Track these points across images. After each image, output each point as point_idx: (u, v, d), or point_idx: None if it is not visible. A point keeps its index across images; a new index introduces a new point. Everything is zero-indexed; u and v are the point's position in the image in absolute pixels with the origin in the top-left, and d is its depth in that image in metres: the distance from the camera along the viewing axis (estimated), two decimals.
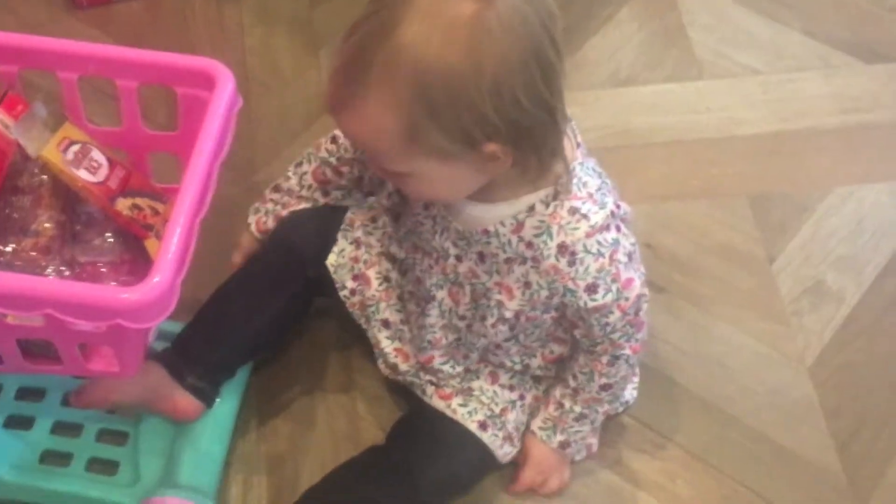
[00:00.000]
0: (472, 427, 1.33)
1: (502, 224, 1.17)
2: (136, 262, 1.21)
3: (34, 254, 1.17)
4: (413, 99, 1.01)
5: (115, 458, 1.37)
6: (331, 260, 1.38)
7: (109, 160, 1.23)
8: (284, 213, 1.41)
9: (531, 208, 1.16)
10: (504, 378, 1.36)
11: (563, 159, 1.13)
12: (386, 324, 1.37)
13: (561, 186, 1.15)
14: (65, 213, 1.20)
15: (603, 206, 1.17)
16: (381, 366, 1.40)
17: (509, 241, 1.18)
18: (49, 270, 1.17)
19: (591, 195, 1.16)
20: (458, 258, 1.23)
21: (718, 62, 1.84)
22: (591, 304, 1.18)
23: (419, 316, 1.31)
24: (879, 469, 1.45)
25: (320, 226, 1.40)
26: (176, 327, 1.39)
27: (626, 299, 1.19)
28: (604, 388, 1.30)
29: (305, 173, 1.41)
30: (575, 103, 1.66)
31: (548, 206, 1.15)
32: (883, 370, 1.53)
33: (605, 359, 1.27)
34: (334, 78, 1.06)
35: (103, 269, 1.19)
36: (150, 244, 1.22)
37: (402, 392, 1.42)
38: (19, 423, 1.39)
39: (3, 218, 1.19)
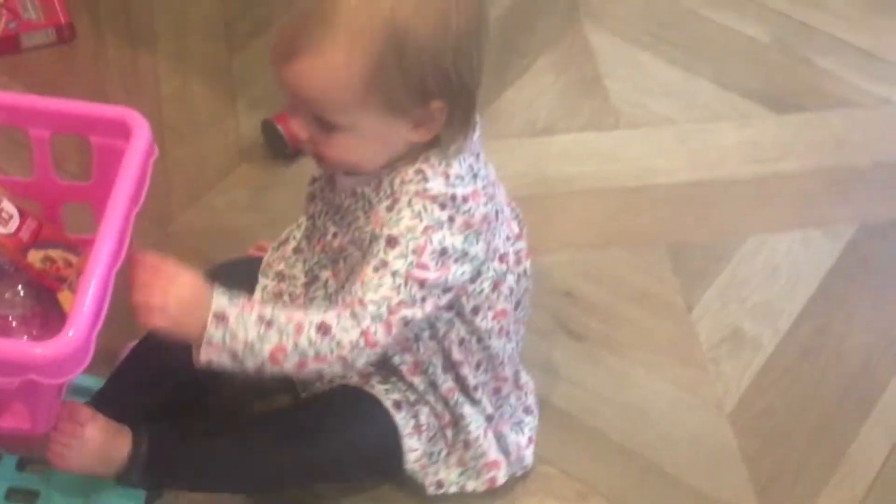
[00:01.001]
0: (388, 404, 1.31)
1: (368, 185, 1.19)
2: (48, 316, 1.18)
3: None
4: (385, 44, 1.06)
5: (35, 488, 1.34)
6: (257, 294, 1.36)
7: (21, 211, 1.20)
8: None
9: (394, 168, 1.17)
10: (421, 376, 1.32)
11: (460, 133, 1.17)
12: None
13: (427, 151, 1.17)
14: None
15: (451, 186, 1.15)
16: None
17: (368, 197, 1.19)
18: None
19: (445, 172, 1.16)
20: (335, 235, 1.24)
21: (634, 111, 1.85)
22: (382, 255, 1.13)
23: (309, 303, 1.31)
24: None
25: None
26: (90, 381, 1.35)
27: (411, 279, 1.13)
28: (322, 329, 1.15)
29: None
30: (492, 152, 1.65)
31: (408, 165, 1.17)
32: (801, 415, 1.54)
33: (337, 311, 1.15)
34: (293, 21, 1.09)
35: (14, 323, 1.17)
36: (64, 297, 1.19)
37: None
38: None
39: None
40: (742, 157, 1.81)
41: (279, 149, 1.73)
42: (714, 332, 1.61)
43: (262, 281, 1.37)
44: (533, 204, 1.66)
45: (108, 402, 1.32)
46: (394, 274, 1.13)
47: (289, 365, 1.12)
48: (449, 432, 1.35)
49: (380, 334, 1.13)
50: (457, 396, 1.33)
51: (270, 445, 1.32)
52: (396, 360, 1.28)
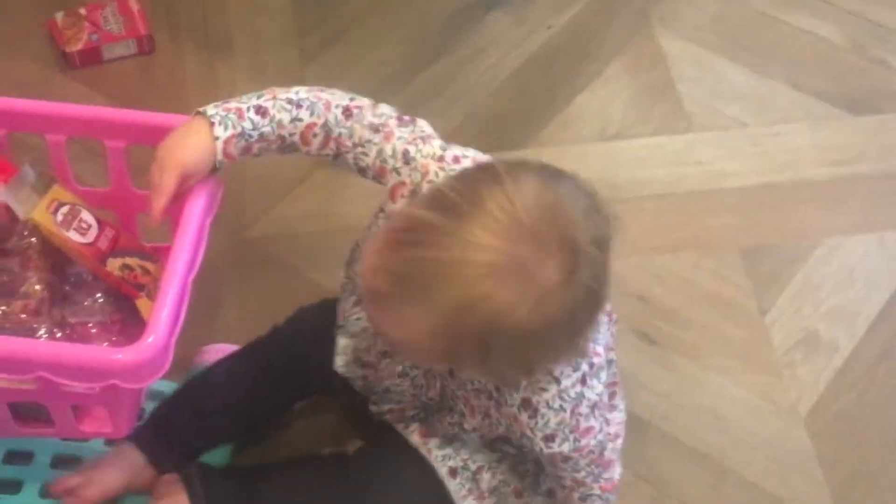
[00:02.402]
0: (443, 471, 1.30)
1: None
2: (126, 322, 1.20)
3: (24, 316, 1.16)
4: (469, 347, 0.96)
5: None
6: (339, 362, 1.33)
7: (99, 221, 1.22)
8: (257, 148, 1.21)
9: None
10: (480, 453, 1.32)
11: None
12: (387, 390, 1.33)
13: None
14: (54, 273, 1.19)
15: (577, 368, 1.13)
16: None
17: (478, 383, 1.17)
18: (41, 332, 1.16)
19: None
20: (443, 380, 1.24)
21: (706, 115, 1.83)
22: (546, 451, 1.16)
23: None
24: None
25: (319, 325, 1.34)
26: (167, 386, 1.36)
27: (583, 446, 1.16)
28: (600, 501, 1.25)
29: (300, 120, 1.20)
30: (563, 158, 1.65)
31: None
32: (878, 420, 1.51)
33: (575, 495, 1.24)
34: (385, 273, 0.97)
35: (93, 330, 1.18)
36: (142, 304, 1.20)
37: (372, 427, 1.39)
38: (7, 486, 1.35)
39: None
40: (815, 159, 1.78)
41: None
42: (788, 336, 1.59)
43: (341, 340, 1.33)
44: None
45: (157, 429, 1.32)
46: (569, 456, 1.17)
47: None
48: (520, 484, 1.34)
49: (606, 474, 1.22)
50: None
51: (321, 492, 1.32)
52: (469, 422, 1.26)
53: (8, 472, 1.36)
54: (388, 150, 1.17)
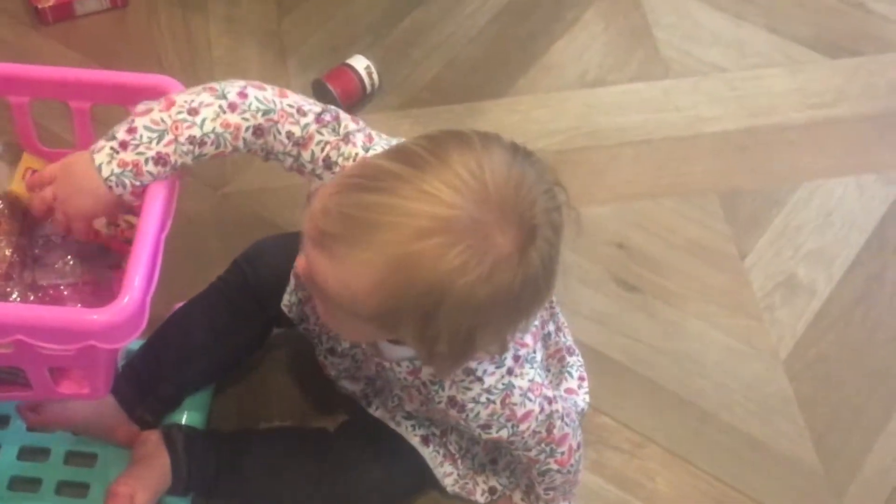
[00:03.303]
0: (415, 441, 1.31)
1: (398, 364, 1.15)
2: (98, 284, 1.18)
3: None
4: (419, 300, 0.94)
5: (86, 480, 1.34)
6: (284, 301, 1.34)
7: None
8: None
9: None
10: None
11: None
12: (332, 351, 1.34)
13: None
14: (23, 237, 1.18)
15: (500, 364, 1.13)
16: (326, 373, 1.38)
17: (405, 378, 1.17)
18: (14, 296, 1.14)
19: (491, 356, 1.12)
20: (364, 352, 1.24)
21: (684, 61, 1.83)
22: (485, 436, 1.17)
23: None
24: (856, 461, 1.44)
25: (277, 268, 1.33)
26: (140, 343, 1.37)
27: (523, 431, 1.17)
28: (549, 490, 1.29)
29: (204, 156, 1.13)
30: (543, 105, 1.66)
31: None
32: (856, 361, 1.53)
33: (533, 471, 1.25)
34: (337, 215, 0.95)
35: (65, 292, 1.17)
36: None
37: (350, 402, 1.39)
38: (23, 483, 1.36)
39: None
40: (794, 103, 1.78)
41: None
42: (768, 280, 1.59)
43: (292, 281, 1.32)
44: (584, 156, 1.68)
45: (137, 373, 1.34)
46: (513, 440, 1.19)
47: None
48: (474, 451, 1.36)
49: (561, 449, 1.23)
50: None
51: (310, 469, 1.33)
52: (408, 406, 1.28)
53: (23, 470, 1.36)
54: (306, 156, 1.12)
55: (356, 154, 1.11)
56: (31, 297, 1.15)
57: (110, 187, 1.07)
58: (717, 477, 1.42)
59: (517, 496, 1.34)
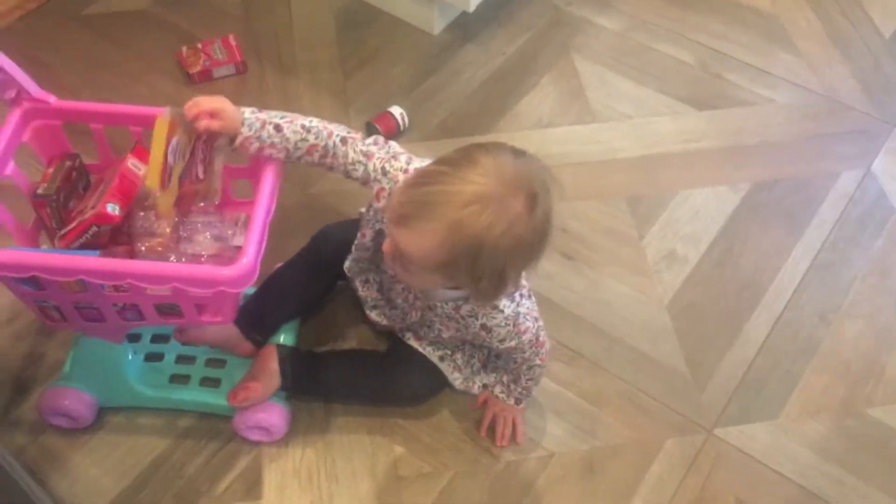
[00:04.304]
0: (434, 359, 1.32)
1: (445, 304, 1.17)
2: (224, 256, 1.19)
3: (160, 249, 1.15)
4: (465, 251, 0.98)
5: (218, 376, 1.36)
6: (346, 265, 1.35)
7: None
8: (269, 151, 1.15)
9: (466, 299, 1.15)
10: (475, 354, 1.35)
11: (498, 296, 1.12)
12: (374, 306, 1.37)
13: None
14: (178, 221, 1.19)
15: (512, 299, 1.16)
16: (371, 319, 1.40)
17: (448, 314, 1.18)
18: (171, 259, 1.15)
19: (510, 295, 1.16)
20: (415, 297, 1.24)
21: (605, 111, 1.82)
22: (501, 347, 1.20)
23: (396, 303, 1.31)
24: (711, 369, 1.45)
25: (340, 243, 1.34)
26: (253, 290, 1.37)
27: (524, 340, 1.19)
28: (529, 381, 1.30)
29: (305, 141, 1.15)
30: (515, 139, 1.65)
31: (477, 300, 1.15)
32: (713, 306, 1.53)
33: (524, 367, 1.27)
34: (411, 203, 0.99)
35: (204, 259, 1.18)
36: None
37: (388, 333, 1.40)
38: (154, 357, 1.38)
39: (136, 227, 1.18)
40: (674, 139, 1.78)
41: None
42: (657, 253, 1.59)
43: (354, 253, 1.32)
44: None
45: (250, 311, 1.34)
46: (525, 342, 1.20)
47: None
48: (482, 357, 1.36)
49: (542, 350, 1.24)
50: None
51: (367, 377, 1.34)
52: (445, 334, 1.29)
53: (154, 349, 1.39)
54: (371, 167, 1.15)
55: (401, 167, 1.14)
56: (183, 261, 1.16)
57: (241, 123, 1.10)
58: (622, 379, 1.43)
59: (497, 389, 1.34)
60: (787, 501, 1.31)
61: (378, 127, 1.72)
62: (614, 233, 1.62)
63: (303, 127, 1.15)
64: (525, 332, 1.18)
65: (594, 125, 1.79)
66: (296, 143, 1.15)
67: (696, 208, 1.66)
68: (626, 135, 1.78)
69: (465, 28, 1.94)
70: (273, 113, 1.16)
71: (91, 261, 1.06)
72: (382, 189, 1.16)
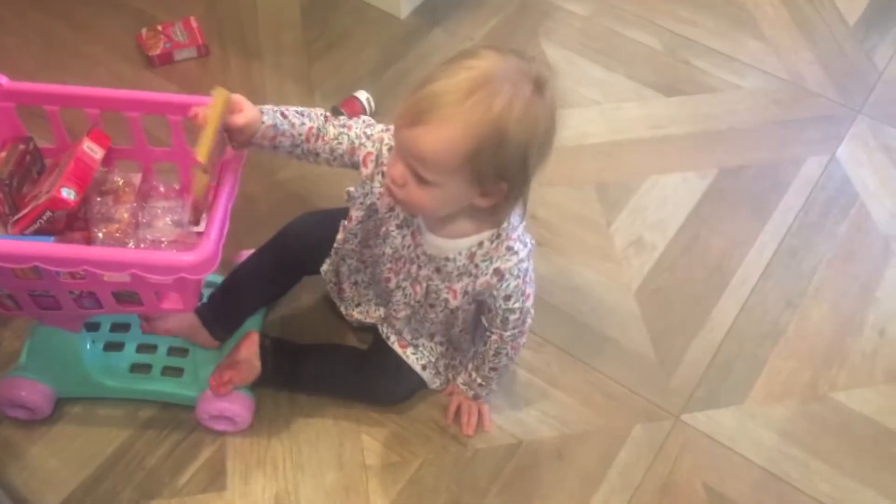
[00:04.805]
0: (417, 368, 1.31)
1: (460, 254, 1.14)
2: (185, 242, 1.16)
3: (118, 235, 1.13)
4: (490, 135, 0.95)
5: (181, 366, 1.34)
6: (324, 267, 1.34)
7: None
8: (279, 139, 1.13)
9: (480, 244, 1.12)
10: (438, 338, 1.32)
11: (512, 209, 1.10)
12: (359, 304, 1.35)
13: (501, 230, 1.11)
14: (137, 206, 1.16)
15: (525, 244, 1.14)
16: (349, 318, 1.38)
17: (463, 265, 1.15)
18: (130, 245, 1.13)
19: (518, 237, 1.13)
20: (420, 266, 1.19)
21: (573, 96, 1.81)
22: (504, 308, 1.16)
23: (389, 296, 1.26)
24: (679, 355, 1.46)
25: (310, 238, 1.32)
26: (216, 278, 1.35)
27: (524, 306, 1.18)
28: (492, 370, 1.27)
29: (304, 125, 1.14)
30: None
31: (492, 242, 1.12)
32: (680, 291, 1.53)
33: (492, 350, 1.24)
34: (423, 98, 0.96)
35: (164, 245, 1.15)
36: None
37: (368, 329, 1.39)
38: (114, 346, 1.35)
39: (94, 213, 1.15)
40: (643, 125, 1.77)
41: None
42: (625, 240, 1.59)
43: (332, 258, 1.31)
44: None
45: (214, 304, 1.32)
46: (516, 316, 1.17)
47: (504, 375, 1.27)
48: (460, 358, 1.35)
49: (528, 321, 1.21)
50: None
51: (346, 374, 1.33)
52: (437, 338, 1.30)
53: (114, 338, 1.36)
54: (353, 135, 1.14)
55: (382, 129, 1.16)
56: (142, 247, 1.14)
57: (262, 112, 1.10)
58: (590, 365, 1.43)
59: (460, 380, 1.34)
60: (753, 485, 1.32)
61: (344, 112, 1.69)
62: (583, 219, 1.61)
63: (297, 112, 1.14)
64: (528, 297, 1.17)
65: (563, 111, 1.74)
66: (299, 128, 1.13)
67: (664, 195, 1.66)
68: (594, 120, 1.77)
69: (432, 12, 1.92)
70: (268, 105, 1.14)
71: (45, 247, 1.04)
72: (369, 153, 1.14)
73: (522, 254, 1.13)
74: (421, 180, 1.01)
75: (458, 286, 1.17)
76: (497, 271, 1.13)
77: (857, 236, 1.62)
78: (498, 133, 0.95)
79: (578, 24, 1.94)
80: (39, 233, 1.10)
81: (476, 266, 1.14)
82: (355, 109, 1.70)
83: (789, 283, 1.55)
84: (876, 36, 1.96)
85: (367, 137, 1.15)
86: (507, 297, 1.15)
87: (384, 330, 1.32)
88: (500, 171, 1.00)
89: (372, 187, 1.17)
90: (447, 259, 1.15)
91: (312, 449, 1.31)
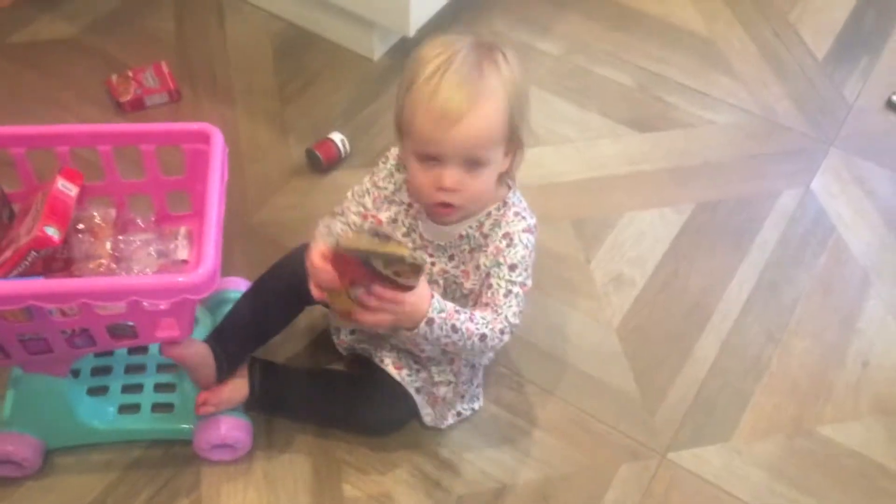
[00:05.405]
0: (411, 390, 1.29)
1: (471, 227, 1.16)
2: (170, 270, 1.16)
3: (102, 271, 1.13)
4: (513, 97, 1.06)
5: (170, 401, 1.31)
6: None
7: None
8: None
9: (489, 214, 1.17)
10: (443, 365, 1.30)
11: (511, 178, 1.18)
12: (353, 330, 1.34)
13: (507, 199, 1.17)
14: (117, 240, 1.15)
15: (531, 216, 1.19)
16: (341, 345, 1.37)
17: (474, 237, 1.17)
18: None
19: (525, 208, 1.19)
20: (433, 263, 1.19)
21: (547, 134, 1.81)
22: (507, 279, 1.16)
23: None
24: (662, 391, 1.45)
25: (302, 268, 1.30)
26: (201, 312, 1.33)
27: (526, 284, 1.18)
28: (482, 338, 1.17)
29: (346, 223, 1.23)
30: None
31: (499, 210, 1.17)
32: (661, 328, 1.53)
33: (501, 315, 1.16)
34: (453, 99, 1.03)
35: (148, 272, 1.15)
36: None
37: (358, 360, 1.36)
38: (97, 391, 1.32)
39: (75, 251, 1.14)
40: (618, 161, 1.78)
41: (317, 166, 1.70)
42: (605, 276, 1.59)
43: None
44: None
45: (221, 339, 1.28)
46: (516, 295, 1.16)
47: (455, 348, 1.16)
48: (455, 391, 1.33)
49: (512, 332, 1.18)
50: (468, 371, 1.32)
51: (336, 400, 1.30)
52: (434, 361, 1.28)
53: (97, 382, 1.33)
54: (353, 216, 1.24)
55: (367, 184, 1.25)
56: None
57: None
58: (573, 404, 1.41)
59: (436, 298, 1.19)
60: None
61: (319, 154, 1.69)
62: (561, 256, 1.61)
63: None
64: (530, 276, 1.17)
65: (537, 148, 1.78)
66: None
67: (642, 230, 1.66)
68: (569, 158, 1.77)
69: (405, 53, 1.93)
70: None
71: (39, 284, 1.02)
72: (377, 197, 1.22)
73: (530, 221, 1.18)
74: (475, 168, 1.07)
75: (470, 265, 1.18)
76: (507, 235, 1.16)
77: (836, 268, 1.63)
78: (515, 88, 1.06)
79: (550, 63, 1.96)
80: (24, 275, 1.08)
81: (486, 236, 1.17)
82: (330, 152, 1.70)
83: (770, 317, 1.54)
84: (845, 69, 1.99)
85: (360, 197, 1.23)
86: (513, 267, 1.16)
87: (378, 354, 1.31)
88: (519, 123, 1.09)
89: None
90: (461, 237, 1.17)
91: (290, 498, 1.28)
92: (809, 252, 1.65)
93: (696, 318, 1.53)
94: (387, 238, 1.01)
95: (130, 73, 1.81)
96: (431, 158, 1.08)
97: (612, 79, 1.93)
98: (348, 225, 1.23)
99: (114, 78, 1.81)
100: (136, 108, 1.78)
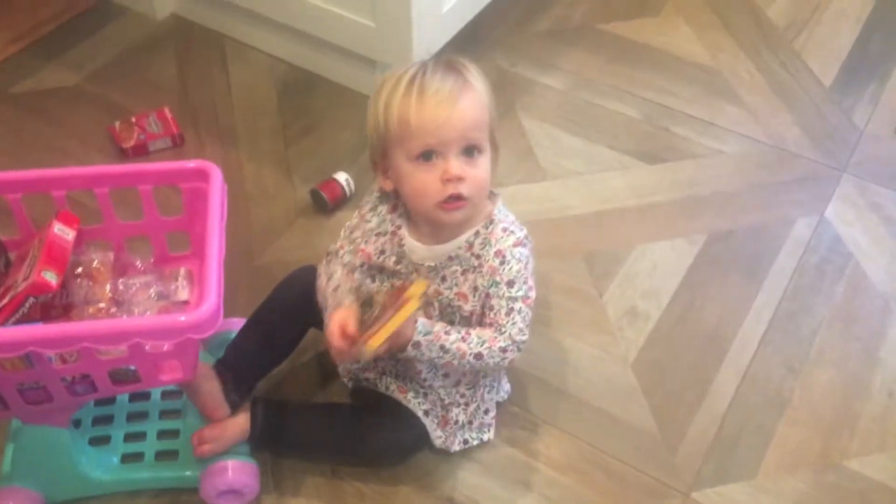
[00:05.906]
0: (419, 413, 1.25)
1: (460, 248, 1.15)
2: (171, 311, 1.14)
3: (102, 315, 1.11)
4: (488, 98, 1.12)
5: (174, 448, 1.28)
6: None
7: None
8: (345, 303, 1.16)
9: (476, 233, 1.16)
10: (459, 385, 1.27)
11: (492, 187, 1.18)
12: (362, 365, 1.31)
13: (493, 216, 1.17)
14: (116, 283, 1.14)
15: (521, 229, 1.17)
16: (344, 378, 1.34)
17: (466, 258, 1.15)
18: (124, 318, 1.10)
19: (512, 222, 1.18)
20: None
21: (554, 168, 1.80)
22: (507, 296, 1.15)
23: None
24: (682, 428, 1.40)
25: (303, 289, 1.28)
26: (203, 356, 1.29)
27: (529, 297, 1.16)
28: (477, 356, 1.15)
29: (342, 287, 1.20)
30: None
31: (487, 228, 1.16)
32: (678, 362, 1.49)
33: (505, 333, 1.15)
34: (443, 91, 1.07)
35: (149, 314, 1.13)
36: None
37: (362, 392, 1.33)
38: (99, 441, 1.29)
39: (75, 296, 1.12)
40: (627, 194, 1.76)
41: (322, 207, 1.69)
42: (618, 310, 1.56)
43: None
44: None
45: (228, 364, 1.27)
46: (519, 311, 1.15)
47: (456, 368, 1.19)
48: (466, 412, 1.30)
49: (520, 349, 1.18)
50: (473, 393, 1.29)
51: (341, 431, 1.27)
52: (437, 383, 1.25)
53: (98, 431, 1.30)
54: (345, 257, 1.24)
55: (353, 221, 1.25)
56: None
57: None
58: (589, 443, 1.37)
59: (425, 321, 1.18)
60: None
61: (324, 194, 1.67)
62: (573, 291, 1.58)
63: (333, 292, 1.20)
64: (531, 289, 1.16)
65: (545, 183, 1.77)
66: (342, 294, 1.19)
67: (654, 262, 1.63)
68: (577, 191, 1.76)
69: None
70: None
71: (39, 329, 1.00)
72: (365, 230, 1.22)
73: (520, 234, 1.16)
74: (474, 155, 1.10)
75: (465, 287, 1.16)
76: (498, 253, 1.15)
77: (855, 296, 1.59)
78: (485, 86, 1.12)
79: (556, 97, 1.95)
80: (22, 322, 1.06)
81: (478, 256, 1.15)
82: (335, 192, 1.68)
83: (789, 348, 1.51)
84: (853, 95, 1.98)
85: (350, 233, 1.23)
86: (511, 283, 1.14)
87: (382, 381, 1.28)
88: (495, 122, 1.13)
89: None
90: (450, 258, 1.16)
91: None
92: (827, 281, 1.61)
93: (714, 350, 1.50)
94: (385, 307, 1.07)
95: (133, 119, 1.81)
96: (430, 155, 1.09)
97: (619, 111, 1.92)
98: (346, 280, 1.21)
99: (117, 124, 1.80)
100: (140, 153, 1.77)
